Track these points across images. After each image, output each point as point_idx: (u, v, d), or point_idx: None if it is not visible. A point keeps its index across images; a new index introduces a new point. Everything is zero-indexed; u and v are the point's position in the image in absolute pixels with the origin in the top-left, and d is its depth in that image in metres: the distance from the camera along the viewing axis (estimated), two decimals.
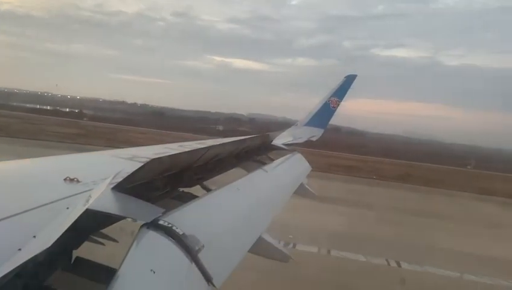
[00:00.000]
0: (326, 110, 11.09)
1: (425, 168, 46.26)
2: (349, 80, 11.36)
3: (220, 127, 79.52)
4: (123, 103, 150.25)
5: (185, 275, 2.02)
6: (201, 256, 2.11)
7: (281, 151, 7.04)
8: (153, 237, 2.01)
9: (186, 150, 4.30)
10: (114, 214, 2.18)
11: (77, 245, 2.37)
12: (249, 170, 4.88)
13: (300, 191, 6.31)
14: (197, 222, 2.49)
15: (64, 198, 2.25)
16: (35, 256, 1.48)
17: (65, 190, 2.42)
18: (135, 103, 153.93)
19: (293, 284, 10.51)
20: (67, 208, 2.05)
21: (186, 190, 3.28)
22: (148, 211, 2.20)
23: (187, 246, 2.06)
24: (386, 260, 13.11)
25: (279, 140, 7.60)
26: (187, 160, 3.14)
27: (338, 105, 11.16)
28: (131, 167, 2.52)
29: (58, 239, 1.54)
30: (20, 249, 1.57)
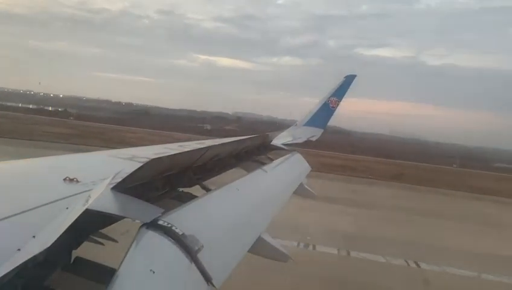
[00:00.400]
0: (326, 110, 11.10)
1: (416, 167, 46.67)
2: (349, 80, 11.37)
3: (208, 126, 79.05)
4: (107, 101, 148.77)
5: (185, 275, 2.02)
6: (201, 256, 2.11)
7: (280, 151, 7.05)
8: (152, 237, 2.01)
9: (186, 150, 4.30)
10: (113, 214, 2.18)
11: (77, 245, 2.37)
12: (249, 170, 4.88)
13: (300, 191, 6.32)
14: (197, 222, 2.50)
15: (63, 198, 2.25)
16: (35, 256, 1.48)
17: (64, 190, 2.42)
18: (120, 102, 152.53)
19: (326, 285, 10.79)
20: (67, 208, 2.05)
21: (185, 190, 3.28)
22: (147, 211, 2.20)
23: (187, 246, 2.06)
24: (405, 261, 13.24)
25: (279, 140, 7.60)
26: (186, 160, 3.14)
27: (337, 105, 11.17)
28: (130, 167, 2.52)
29: (57, 239, 1.54)
30: (19, 249, 1.57)
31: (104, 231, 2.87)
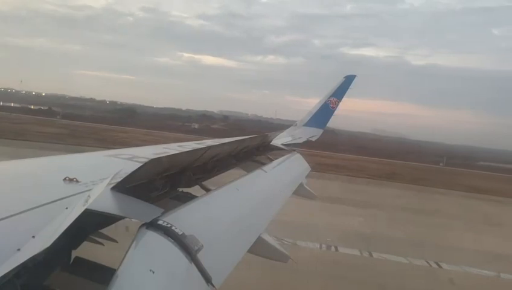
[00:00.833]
0: (326, 111, 11.12)
1: (406, 166, 47.22)
2: (348, 80, 11.39)
3: (196, 125, 79.12)
4: (91, 100, 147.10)
5: (184, 275, 2.02)
6: (201, 256, 2.11)
7: (280, 151, 7.05)
8: (152, 237, 2.01)
9: (185, 150, 4.30)
10: (113, 214, 2.18)
11: (76, 245, 2.37)
12: (248, 170, 4.88)
13: (300, 192, 6.32)
14: (196, 222, 2.50)
15: (63, 198, 2.25)
16: (35, 256, 1.48)
17: (64, 189, 2.42)
18: (104, 100, 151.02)
19: (359, 287, 10.93)
20: (67, 208, 2.05)
21: (185, 190, 3.28)
22: (147, 211, 2.20)
23: (186, 246, 2.06)
24: (426, 261, 13.36)
25: (278, 140, 7.61)
26: (186, 160, 3.14)
27: (337, 105, 11.19)
28: (130, 167, 2.52)
29: (57, 239, 1.54)
30: (19, 249, 1.57)
31: (104, 231, 2.87)
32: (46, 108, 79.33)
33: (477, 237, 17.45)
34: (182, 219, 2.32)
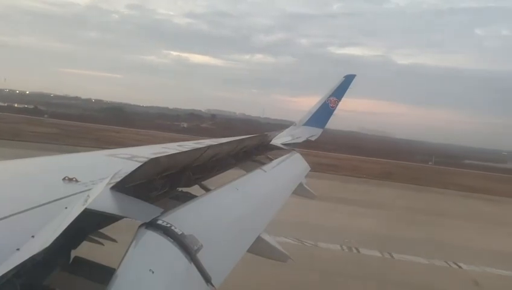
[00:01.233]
0: (325, 110, 11.10)
1: (398, 165, 47.83)
2: (348, 79, 11.38)
3: (185, 124, 79.19)
4: (77, 98, 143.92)
5: (184, 275, 2.01)
6: (200, 256, 2.11)
7: (279, 151, 7.05)
8: (151, 237, 2.01)
9: (185, 149, 4.30)
10: (113, 214, 2.18)
11: (76, 245, 2.37)
12: (248, 170, 4.88)
13: (300, 191, 6.32)
14: (196, 222, 2.49)
15: (62, 198, 2.25)
16: (34, 256, 1.48)
17: (64, 189, 2.42)
18: (90, 99, 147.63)
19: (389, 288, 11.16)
20: (66, 207, 2.05)
21: (185, 189, 3.28)
22: (146, 210, 2.20)
23: (186, 246, 2.06)
24: (446, 262, 13.48)
25: (278, 140, 7.61)
26: (186, 160, 3.14)
27: (337, 105, 11.18)
28: (130, 167, 2.52)
29: (56, 239, 1.54)
30: (18, 249, 1.57)
31: (103, 230, 2.87)
32: (31, 107, 77.38)
33: (490, 237, 17.69)
34: (181, 218, 2.32)
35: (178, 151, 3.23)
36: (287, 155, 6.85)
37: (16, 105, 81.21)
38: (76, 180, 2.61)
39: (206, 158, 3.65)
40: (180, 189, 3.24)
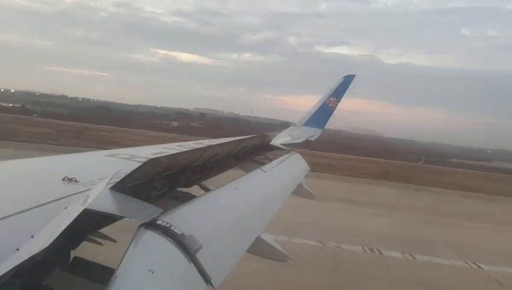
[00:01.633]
0: (325, 110, 11.10)
1: (391, 165, 48.42)
2: (348, 80, 11.37)
3: (175, 123, 79.13)
4: (63, 97, 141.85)
5: (183, 275, 2.01)
6: (200, 256, 2.11)
7: (279, 151, 7.05)
8: (151, 237, 2.01)
9: (185, 150, 4.30)
10: (112, 214, 2.18)
11: (75, 245, 2.37)
12: (248, 170, 4.88)
13: (299, 192, 6.32)
14: (196, 222, 2.49)
15: (62, 198, 2.25)
16: (34, 256, 1.48)
17: (63, 189, 2.42)
18: (76, 97, 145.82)
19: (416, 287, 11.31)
20: (66, 208, 2.05)
21: (184, 189, 3.28)
22: (146, 211, 2.20)
23: (185, 246, 2.06)
24: (466, 262, 13.61)
25: (278, 140, 7.61)
26: (185, 160, 3.14)
27: (336, 105, 11.17)
28: (129, 167, 2.52)
29: (56, 239, 1.54)
30: (18, 249, 1.57)
31: (103, 230, 2.87)
32: (19, 106, 76.08)
33: (500, 236, 17.78)
34: (181, 218, 2.32)
35: (178, 152, 3.23)
36: (287, 155, 6.85)
37: (1, 104, 78.52)
38: (76, 181, 2.61)
39: (206, 158, 3.65)
40: (179, 189, 3.24)
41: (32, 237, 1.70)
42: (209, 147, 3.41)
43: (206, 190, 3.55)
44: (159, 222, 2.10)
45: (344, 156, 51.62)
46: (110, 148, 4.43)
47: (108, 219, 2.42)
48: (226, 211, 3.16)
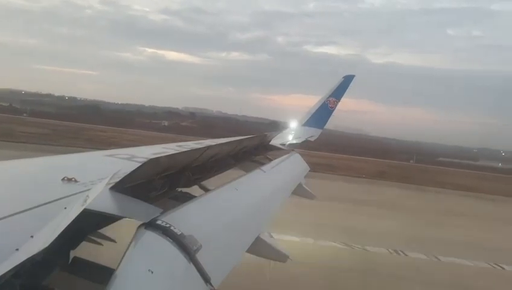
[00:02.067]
0: (325, 111, 11.11)
1: (386, 164, 48.95)
2: (347, 80, 11.39)
3: (166, 123, 79.19)
4: (50, 95, 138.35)
5: (183, 275, 2.01)
6: (199, 256, 2.11)
7: (279, 151, 7.05)
8: (150, 237, 2.01)
9: (184, 150, 4.30)
10: (112, 214, 2.18)
11: (75, 245, 2.37)
12: (247, 170, 4.88)
13: (299, 192, 6.31)
14: (195, 222, 2.49)
15: (62, 198, 2.25)
16: (33, 256, 1.48)
17: (63, 189, 2.42)
18: (63, 96, 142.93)
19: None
20: (65, 208, 2.05)
21: (184, 190, 3.28)
22: (146, 211, 2.20)
23: (185, 246, 2.06)
24: (488, 263, 13.68)
25: (277, 140, 7.61)
26: (185, 160, 3.14)
27: (336, 105, 11.18)
28: (129, 167, 2.52)
29: (56, 239, 1.54)
30: (17, 249, 1.57)
31: (103, 231, 2.87)
32: (6, 104, 74.35)
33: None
34: (180, 218, 2.32)
35: (177, 152, 3.23)
36: (287, 155, 6.85)
37: None
38: (76, 181, 2.61)
39: (206, 158, 3.65)
40: (179, 189, 3.24)
41: (32, 237, 1.70)
42: (208, 147, 3.41)
43: (206, 190, 3.55)
44: (158, 222, 2.10)
45: (339, 155, 51.94)
46: (110, 149, 4.43)
47: (108, 219, 2.42)
48: (225, 211, 3.16)
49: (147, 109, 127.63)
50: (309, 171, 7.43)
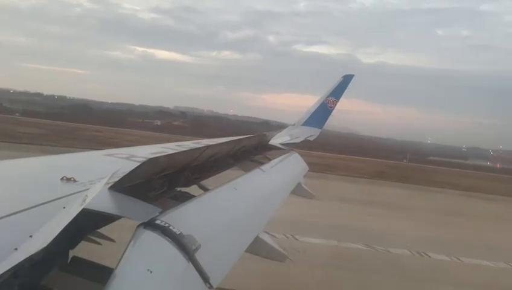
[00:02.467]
0: (324, 110, 11.10)
1: (384, 164, 48.94)
2: (347, 79, 11.38)
3: (158, 122, 78.77)
4: (39, 94, 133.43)
5: (182, 275, 2.01)
6: (198, 256, 2.11)
7: (278, 151, 7.05)
8: (149, 237, 2.01)
9: (183, 149, 4.29)
10: (111, 214, 2.18)
11: (74, 245, 2.36)
12: (246, 170, 4.88)
13: (298, 191, 6.32)
14: (194, 222, 2.49)
15: (60, 197, 2.25)
16: (32, 256, 1.48)
17: (62, 189, 2.41)
18: (52, 95, 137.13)
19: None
20: (64, 207, 2.05)
21: (183, 189, 3.28)
22: (145, 210, 2.20)
23: (184, 246, 2.06)
24: (508, 264, 13.75)
25: (277, 140, 7.61)
26: (184, 160, 3.14)
27: (335, 105, 11.18)
28: (128, 167, 2.51)
29: (54, 239, 1.54)
30: (16, 249, 1.57)
31: (102, 230, 2.87)
32: None
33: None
34: (179, 218, 2.32)
35: (176, 151, 3.23)
36: (286, 155, 6.85)
37: None
38: (74, 180, 2.61)
39: (205, 158, 3.65)
40: (178, 189, 3.23)
41: (31, 236, 1.69)
42: (208, 147, 3.41)
43: (205, 189, 3.55)
44: (157, 222, 2.10)
45: (336, 155, 51.86)
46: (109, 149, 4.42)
47: (107, 218, 2.42)
48: (224, 211, 3.16)
49: (138, 108, 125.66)
50: (308, 171, 7.43)
